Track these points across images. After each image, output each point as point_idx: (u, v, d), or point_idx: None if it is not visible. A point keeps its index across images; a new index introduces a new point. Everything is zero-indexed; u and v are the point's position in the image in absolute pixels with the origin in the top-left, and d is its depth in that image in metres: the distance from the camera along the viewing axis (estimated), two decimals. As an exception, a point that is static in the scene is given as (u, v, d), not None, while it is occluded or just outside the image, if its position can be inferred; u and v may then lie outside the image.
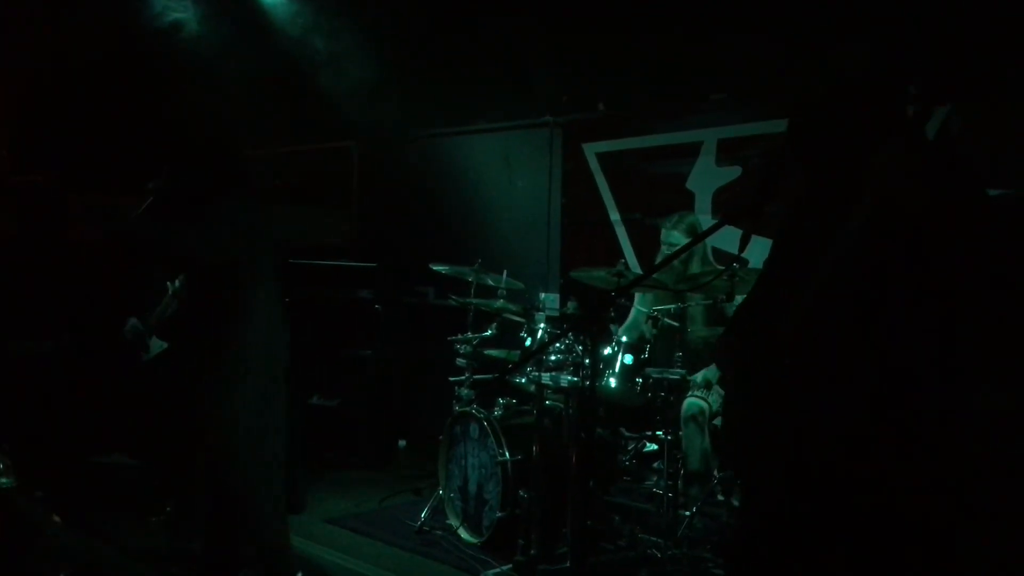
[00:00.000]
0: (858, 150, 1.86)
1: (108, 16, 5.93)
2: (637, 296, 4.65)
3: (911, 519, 1.80)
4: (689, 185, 5.15)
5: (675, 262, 4.10)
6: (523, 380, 4.24)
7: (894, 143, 1.82)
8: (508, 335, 4.63)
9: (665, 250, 4.46)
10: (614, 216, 5.52)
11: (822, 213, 1.93)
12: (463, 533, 4.22)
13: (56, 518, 4.05)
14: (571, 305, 4.56)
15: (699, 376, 4.15)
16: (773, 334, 1.95)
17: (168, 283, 4.34)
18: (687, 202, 5.09)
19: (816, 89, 1.92)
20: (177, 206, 3.32)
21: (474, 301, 4.57)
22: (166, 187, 3.34)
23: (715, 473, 4.06)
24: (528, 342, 4.22)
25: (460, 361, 4.56)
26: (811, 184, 2.01)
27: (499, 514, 3.98)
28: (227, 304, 3.24)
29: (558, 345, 3.96)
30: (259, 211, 3.39)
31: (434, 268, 4.74)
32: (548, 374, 3.89)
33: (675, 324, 4.05)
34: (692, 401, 4.08)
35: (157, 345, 4.52)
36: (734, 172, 4.95)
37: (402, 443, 6.22)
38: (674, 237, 4.42)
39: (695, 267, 4.35)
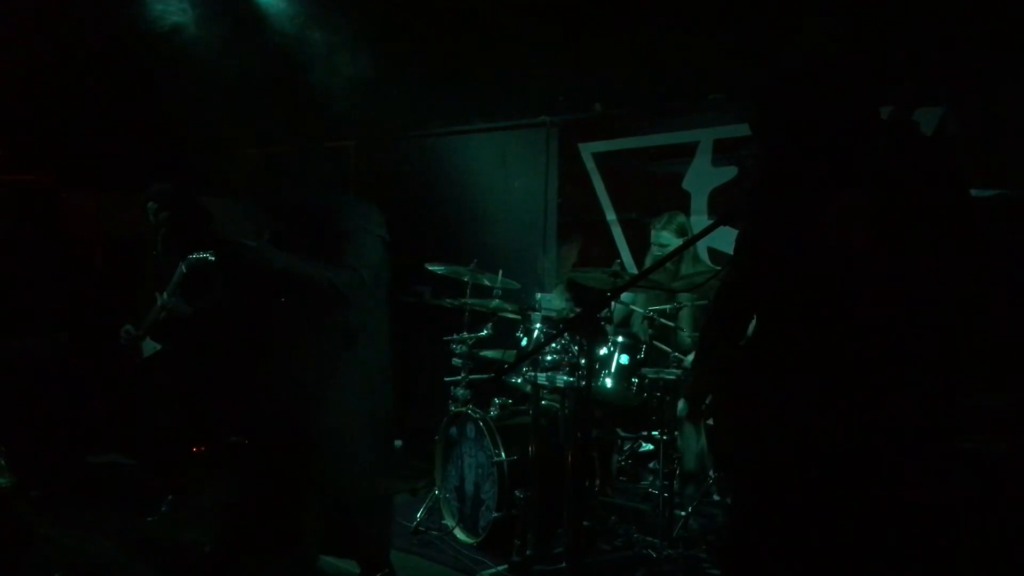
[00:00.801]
0: (839, 136, 1.86)
1: (105, 16, 5.92)
2: (627, 294, 4.64)
3: (909, 517, 1.80)
4: (685, 185, 5.15)
5: (667, 263, 4.10)
6: (519, 380, 4.23)
7: (886, 143, 1.83)
8: (504, 335, 4.62)
9: (655, 251, 4.46)
10: (610, 216, 5.52)
11: (803, 206, 1.91)
12: (459, 533, 4.22)
13: (53, 517, 4.05)
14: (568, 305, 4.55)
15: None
16: (763, 332, 1.95)
17: (157, 294, 4.35)
18: (683, 202, 5.09)
19: (785, 74, 1.92)
20: (312, 241, 3.26)
21: (470, 301, 4.56)
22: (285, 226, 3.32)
23: (711, 473, 4.07)
24: (524, 342, 4.21)
25: (456, 361, 4.55)
26: (787, 171, 1.99)
27: (495, 514, 3.98)
28: (356, 324, 3.26)
29: (554, 345, 3.96)
30: (386, 234, 3.35)
31: (430, 268, 4.72)
32: (544, 374, 3.89)
33: (670, 324, 4.05)
34: None
35: (150, 347, 4.53)
36: (730, 172, 4.95)
37: (398, 443, 6.21)
38: (664, 238, 4.42)
39: (686, 267, 4.35)
